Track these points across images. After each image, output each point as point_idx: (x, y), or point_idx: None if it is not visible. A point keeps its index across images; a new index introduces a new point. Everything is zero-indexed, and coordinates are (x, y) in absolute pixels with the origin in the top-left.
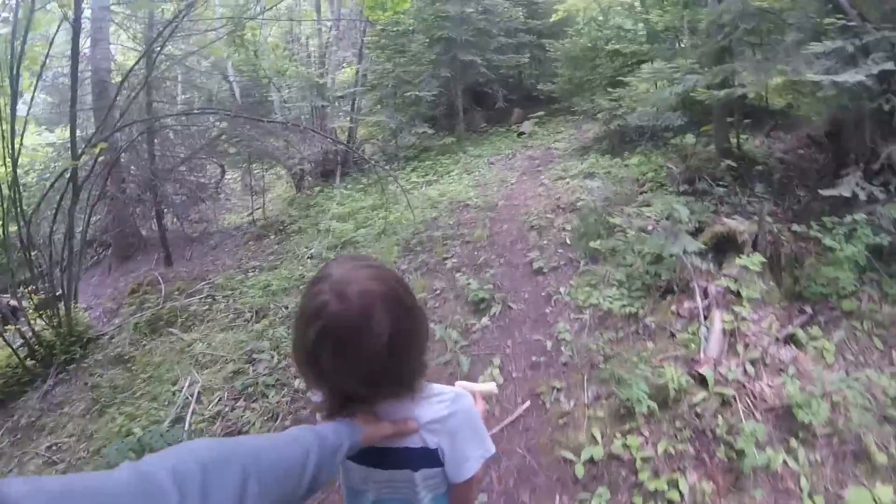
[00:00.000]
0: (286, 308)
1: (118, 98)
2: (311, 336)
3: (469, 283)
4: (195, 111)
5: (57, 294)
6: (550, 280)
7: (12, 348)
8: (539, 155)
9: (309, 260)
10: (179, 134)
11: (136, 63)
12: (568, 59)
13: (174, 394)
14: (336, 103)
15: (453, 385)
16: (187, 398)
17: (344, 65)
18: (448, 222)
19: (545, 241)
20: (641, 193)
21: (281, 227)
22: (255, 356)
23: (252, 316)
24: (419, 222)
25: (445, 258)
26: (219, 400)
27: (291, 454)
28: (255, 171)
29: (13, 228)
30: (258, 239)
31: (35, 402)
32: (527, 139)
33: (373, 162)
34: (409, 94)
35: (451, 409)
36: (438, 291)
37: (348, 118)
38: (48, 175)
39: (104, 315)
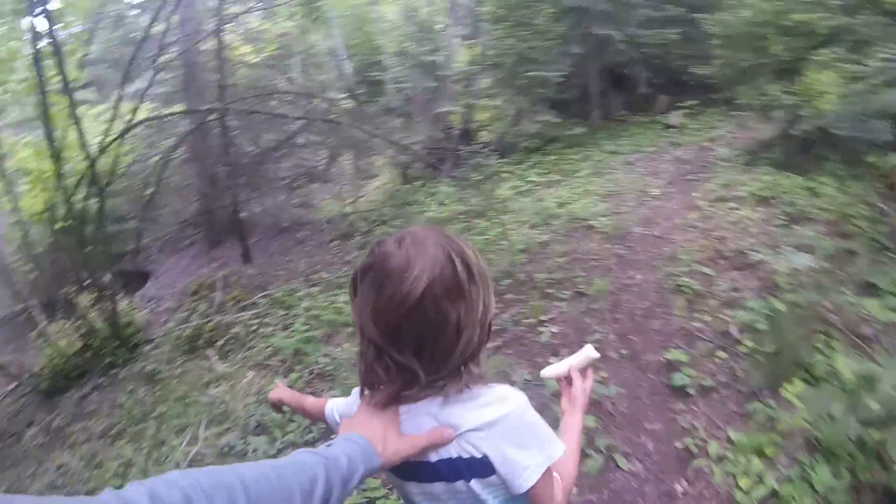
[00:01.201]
0: (319, 362)
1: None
2: (359, 266)
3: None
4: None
5: (109, 291)
6: (696, 415)
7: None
8: (691, 157)
9: None
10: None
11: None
12: (728, 36)
13: (174, 448)
14: (449, 84)
15: (541, 372)
16: (179, 461)
17: (458, 39)
18: (560, 252)
19: (697, 324)
20: (851, 255)
21: (369, 227)
22: (263, 424)
23: (283, 363)
24: (522, 249)
25: (542, 322)
26: None
27: (292, 483)
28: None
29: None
30: (343, 238)
31: (72, 405)
32: (675, 134)
33: (480, 155)
34: (532, 74)
35: (499, 412)
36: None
37: (463, 101)
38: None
39: (165, 313)
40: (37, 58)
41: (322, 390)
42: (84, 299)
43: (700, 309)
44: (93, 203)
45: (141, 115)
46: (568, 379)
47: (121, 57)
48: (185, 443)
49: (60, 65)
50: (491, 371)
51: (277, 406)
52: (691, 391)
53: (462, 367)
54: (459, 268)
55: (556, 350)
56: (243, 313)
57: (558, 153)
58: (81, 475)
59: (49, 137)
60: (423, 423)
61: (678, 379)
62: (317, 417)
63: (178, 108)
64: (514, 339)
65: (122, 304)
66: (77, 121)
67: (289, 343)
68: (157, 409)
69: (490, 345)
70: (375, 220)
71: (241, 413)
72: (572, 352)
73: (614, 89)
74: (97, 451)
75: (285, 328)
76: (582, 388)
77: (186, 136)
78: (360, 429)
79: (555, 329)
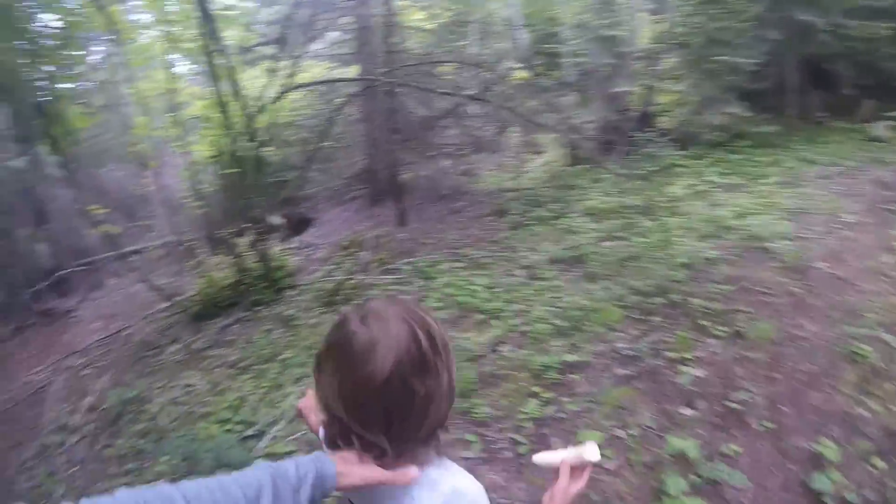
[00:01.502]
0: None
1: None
2: (322, 345)
3: (671, 480)
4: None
5: (265, 235)
6: None
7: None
8: (895, 180)
9: (521, 270)
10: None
11: None
12: None
13: (287, 395)
14: (629, 62)
15: (534, 456)
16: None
17: (642, 14)
18: (726, 276)
19: (863, 412)
20: None
21: (526, 207)
22: None
23: None
24: (683, 263)
25: (685, 360)
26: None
27: (236, 493)
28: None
29: None
30: (498, 215)
31: (214, 332)
32: (880, 148)
33: (656, 143)
34: (722, 58)
35: None
36: (615, 450)
37: (643, 82)
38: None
39: (316, 263)
40: (205, 16)
41: None
42: (243, 239)
43: (872, 392)
44: (255, 152)
45: (318, 74)
46: (557, 473)
47: (303, 18)
48: (296, 393)
49: (212, 26)
50: (611, 404)
51: (300, 416)
52: (828, 502)
53: (430, 437)
54: (424, 343)
55: (692, 400)
56: (385, 277)
57: (744, 152)
58: (203, 398)
59: (216, 91)
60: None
61: (819, 481)
62: (314, 433)
63: (352, 69)
64: (647, 373)
65: (278, 248)
66: (234, 77)
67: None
68: (284, 353)
69: (621, 371)
70: (533, 201)
71: None
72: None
73: (813, 86)
74: (222, 379)
75: (420, 300)
76: (563, 489)
77: (354, 97)
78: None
79: (699, 372)
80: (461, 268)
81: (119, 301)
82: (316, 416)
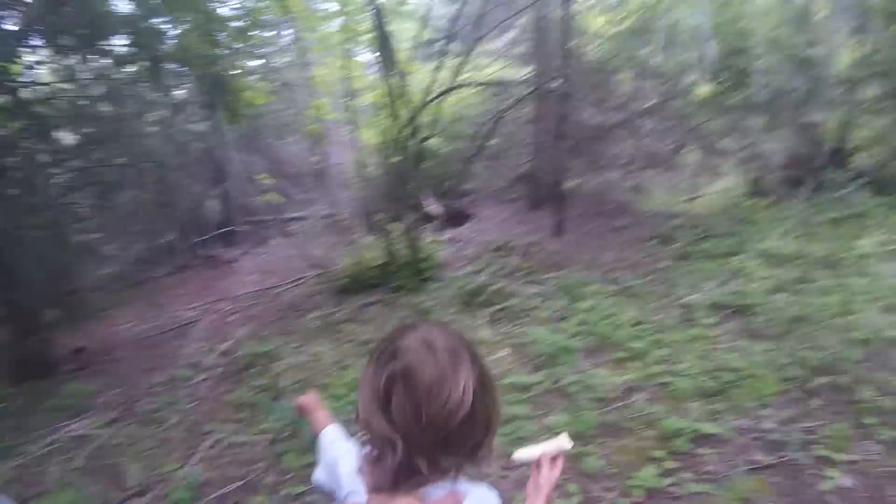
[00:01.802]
0: (562, 378)
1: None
2: (384, 375)
3: None
4: None
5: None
6: None
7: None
8: None
9: (677, 308)
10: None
11: None
12: None
13: None
14: (825, 88)
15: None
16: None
17: (841, 35)
18: None
19: None
20: None
21: (694, 237)
22: None
23: (535, 358)
24: (860, 339)
25: (834, 462)
26: None
27: None
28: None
29: None
30: (663, 241)
31: (353, 308)
32: None
33: (849, 185)
34: None
35: None
36: None
37: (840, 112)
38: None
39: (464, 260)
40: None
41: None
42: (397, 225)
43: None
44: (419, 144)
45: (492, 72)
46: (538, 464)
47: (478, 15)
48: None
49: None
50: (737, 496)
51: (299, 411)
52: None
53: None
54: (484, 365)
55: None
56: (529, 287)
57: None
58: (326, 369)
59: (387, 82)
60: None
61: None
62: (314, 433)
63: (526, 70)
64: (788, 467)
65: (430, 238)
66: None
67: (549, 339)
68: None
69: (759, 457)
70: (703, 231)
71: None
72: None
73: None
74: (349, 356)
75: (558, 319)
76: (547, 477)
77: (525, 98)
78: None
79: (846, 481)
80: (610, 293)
81: (276, 261)
82: (311, 402)
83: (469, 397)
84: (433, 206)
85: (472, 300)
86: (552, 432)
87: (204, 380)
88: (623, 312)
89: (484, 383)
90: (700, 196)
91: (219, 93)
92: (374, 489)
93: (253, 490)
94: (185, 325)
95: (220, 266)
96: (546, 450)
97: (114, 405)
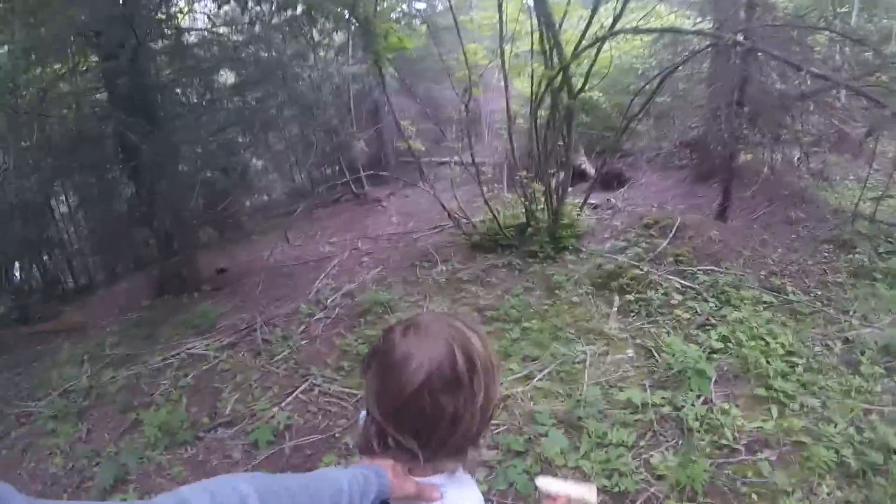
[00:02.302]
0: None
1: None
2: (369, 350)
3: None
4: None
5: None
6: None
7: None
8: None
9: (838, 344)
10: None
11: None
12: None
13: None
14: None
15: (537, 479)
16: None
17: None
18: None
19: None
20: None
21: (879, 251)
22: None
23: (663, 371)
24: None
25: None
26: None
27: (324, 494)
28: None
29: None
30: (840, 247)
31: (478, 267)
32: None
33: None
34: None
35: None
36: None
37: None
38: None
39: (609, 231)
40: None
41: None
42: (540, 185)
43: None
44: (571, 99)
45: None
46: (558, 501)
47: None
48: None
49: None
50: None
51: None
52: None
53: (459, 451)
54: (460, 360)
55: None
56: (674, 278)
57: None
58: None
59: (542, 29)
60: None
61: None
62: None
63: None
64: None
65: (576, 202)
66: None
67: (683, 351)
68: (531, 321)
69: None
70: (894, 246)
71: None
72: None
73: None
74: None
75: (699, 326)
76: None
77: (699, 52)
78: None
79: None
80: (767, 306)
81: (420, 205)
82: None
83: (416, 381)
84: (586, 165)
85: (607, 282)
86: (585, 476)
87: (320, 319)
88: (777, 335)
89: (448, 381)
90: (892, 196)
91: (366, 36)
92: (358, 450)
93: (328, 447)
94: (322, 259)
95: (368, 204)
96: (571, 493)
97: (234, 330)
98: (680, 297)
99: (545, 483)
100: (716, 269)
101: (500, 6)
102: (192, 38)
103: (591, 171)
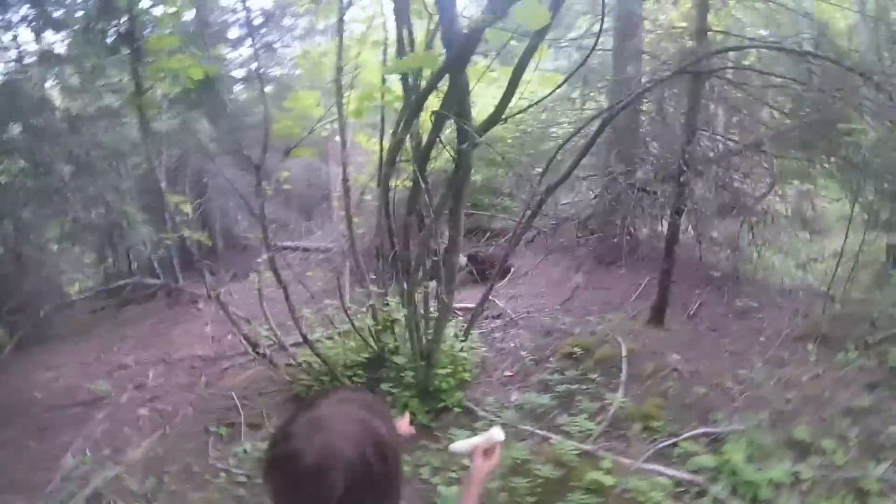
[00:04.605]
0: None
1: None
2: (269, 455)
3: None
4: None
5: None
6: None
7: None
8: None
9: None
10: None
11: None
12: None
13: None
14: None
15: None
16: None
17: None
18: None
19: None
20: None
21: (869, 339)
22: None
23: None
24: None
25: None
26: None
27: None
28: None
29: None
30: (818, 342)
31: None
32: None
33: None
34: None
35: None
36: None
37: None
38: None
39: (512, 366)
40: None
41: None
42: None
43: None
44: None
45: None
46: (473, 456)
47: None
48: None
49: None
50: None
51: None
52: None
53: None
54: (374, 461)
55: None
56: (659, 469)
57: None
58: None
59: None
60: None
61: None
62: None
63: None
64: None
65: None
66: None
67: None
68: None
69: None
70: (877, 329)
71: None
72: None
73: None
74: None
75: None
76: (479, 468)
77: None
78: None
79: None
80: (809, 485)
81: (249, 307)
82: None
83: (336, 493)
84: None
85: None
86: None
87: None
88: None
89: (367, 483)
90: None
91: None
92: None
93: None
94: (93, 402)
95: (182, 305)
96: (478, 443)
97: None
98: None
99: (457, 447)
100: (709, 430)
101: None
102: None
103: (461, 260)
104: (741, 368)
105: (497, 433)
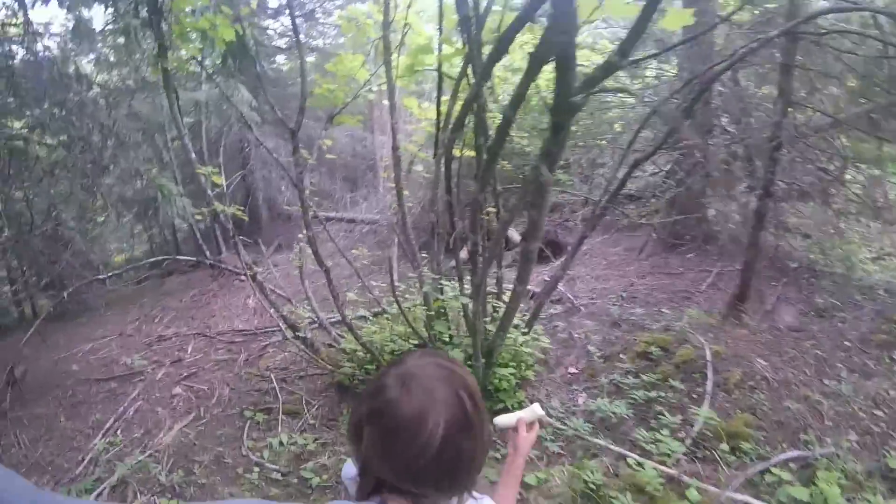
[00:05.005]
0: None
1: None
2: (362, 410)
3: None
4: None
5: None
6: None
7: None
8: None
9: None
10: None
11: None
12: None
13: None
14: None
15: (494, 420)
16: None
17: None
18: None
19: None
20: None
21: None
22: None
23: None
24: None
25: None
26: None
27: None
28: None
29: None
30: None
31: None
32: None
33: None
34: None
35: None
36: None
37: None
38: None
39: (577, 362)
40: None
41: None
42: (448, 288)
43: None
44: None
45: None
46: (516, 429)
47: None
48: None
49: None
50: None
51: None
52: None
53: (472, 483)
54: (468, 405)
55: None
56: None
57: None
58: None
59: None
60: None
61: None
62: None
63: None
64: None
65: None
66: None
67: None
68: None
69: None
70: None
71: None
72: None
73: None
74: None
75: None
76: (525, 437)
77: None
78: None
79: None
80: None
81: (292, 279)
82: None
83: (437, 436)
84: (511, 230)
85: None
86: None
87: None
88: None
89: (463, 426)
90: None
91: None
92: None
93: None
94: (127, 377)
95: (223, 276)
96: (522, 416)
97: None
98: None
99: (501, 420)
100: (801, 454)
101: None
102: None
103: (515, 237)
104: (828, 378)
105: (538, 408)
